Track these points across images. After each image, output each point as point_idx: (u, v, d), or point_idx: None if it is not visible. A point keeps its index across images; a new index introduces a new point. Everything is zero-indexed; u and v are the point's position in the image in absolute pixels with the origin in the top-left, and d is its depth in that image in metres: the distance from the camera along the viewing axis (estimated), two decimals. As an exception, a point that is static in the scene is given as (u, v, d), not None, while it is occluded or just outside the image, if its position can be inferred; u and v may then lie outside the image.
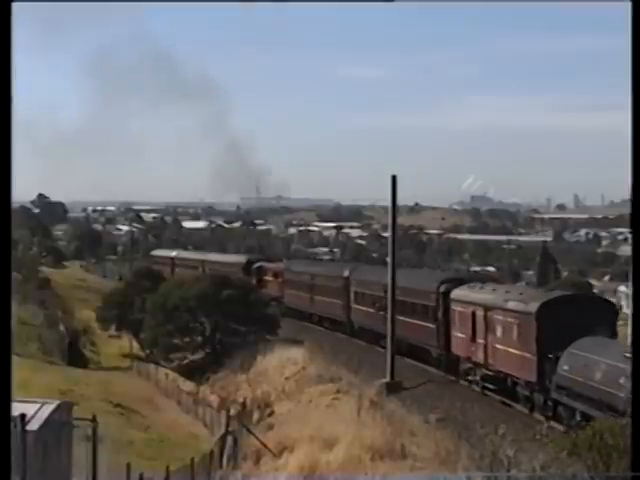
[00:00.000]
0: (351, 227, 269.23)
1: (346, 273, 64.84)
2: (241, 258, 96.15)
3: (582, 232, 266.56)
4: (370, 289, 58.01)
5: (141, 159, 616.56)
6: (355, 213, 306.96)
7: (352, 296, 62.34)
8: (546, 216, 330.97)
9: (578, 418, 31.04)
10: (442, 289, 47.05)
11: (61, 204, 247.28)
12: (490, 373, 40.85)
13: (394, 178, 44.82)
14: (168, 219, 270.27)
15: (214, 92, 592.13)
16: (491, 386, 40.82)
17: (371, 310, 56.65)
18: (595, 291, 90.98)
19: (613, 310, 38.82)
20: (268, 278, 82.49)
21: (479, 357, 41.93)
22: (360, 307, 59.74)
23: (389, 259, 46.68)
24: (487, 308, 41.08)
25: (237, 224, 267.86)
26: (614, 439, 17.88)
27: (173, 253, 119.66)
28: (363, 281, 60.45)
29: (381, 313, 52.06)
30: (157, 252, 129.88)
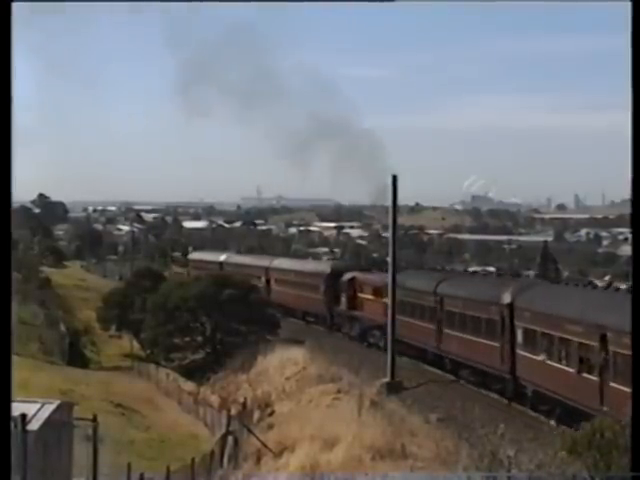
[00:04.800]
0: (352, 227, 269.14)
1: (507, 298, 39.38)
2: (323, 266, 75.16)
3: (583, 232, 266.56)
4: (560, 329, 33.49)
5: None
6: (355, 213, 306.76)
7: (519, 337, 37.69)
8: (547, 216, 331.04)
9: None
10: None
11: (62, 204, 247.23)
12: None
13: (394, 178, 44.79)
14: (168, 219, 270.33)
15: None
16: None
17: (566, 368, 33.06)
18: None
19: None
20: (366, 296, 60.47)
21: None
22: (535, 357, 35.73)
23: (389, 259, 46.58)
24: None
25: (237, 224, 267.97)
26: (614, 437, 17.84)
27: (222, 257, 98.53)
28: (543, 314, 35.66)
29: (587, 376, 31.28)
30: (198, 255, 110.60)
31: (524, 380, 36.99)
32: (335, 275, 67.31)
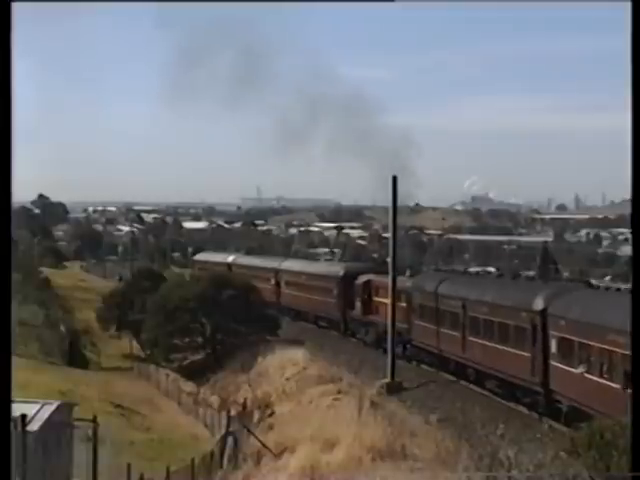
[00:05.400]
0: (352, 227, 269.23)
1: (539, 304, 36.03)
2: (336, 268, 70.32)
3: (583, 232, 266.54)
4: (602, 339, 30.02)
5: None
6: (356, 213, 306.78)
7: (553, 347, 34.38)
8: (547, 216, 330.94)
9: None
10: None
11: (62, 204, 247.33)
12: None
13: (394, 178, 44.77)
14: (169, 219, 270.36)
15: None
16: None
17: (608, 383, 29.60)
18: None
19: None
20: (382, 300, 55.06)
21: None
22: (572, 369, 32.40)
23: (389, 259, 46.58)
24: None
25: (238, 224, 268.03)
26: (614, 438, 17.84)
27: (229, 258, 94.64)
28: (581, 322, 32.26)
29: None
30: (204, 256, 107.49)
31: (559, 394, 33.73)
32: (349, 278, 63.44)
